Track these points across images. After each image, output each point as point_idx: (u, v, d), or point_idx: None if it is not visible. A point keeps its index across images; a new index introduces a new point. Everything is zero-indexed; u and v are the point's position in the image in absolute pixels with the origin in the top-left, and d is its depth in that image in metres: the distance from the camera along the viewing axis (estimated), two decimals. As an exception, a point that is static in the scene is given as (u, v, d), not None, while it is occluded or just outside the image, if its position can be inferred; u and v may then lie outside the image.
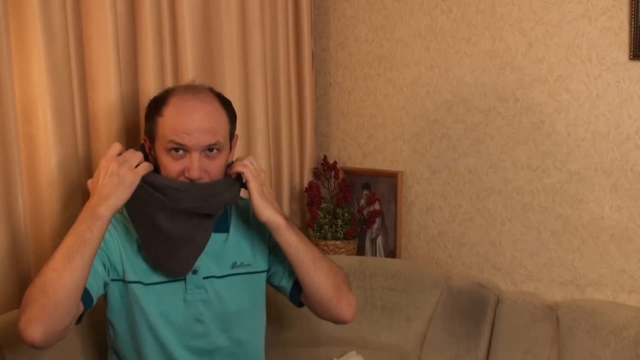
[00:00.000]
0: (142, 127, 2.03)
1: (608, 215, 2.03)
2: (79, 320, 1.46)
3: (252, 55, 2.35)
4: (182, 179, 1.54)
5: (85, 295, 1.44)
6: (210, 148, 1.54)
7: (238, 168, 1.59)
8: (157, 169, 1.59)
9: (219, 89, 2.17)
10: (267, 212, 1.57)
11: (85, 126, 1.96)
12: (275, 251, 1.71)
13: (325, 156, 2.66)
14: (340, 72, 2.68)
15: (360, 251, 2.63)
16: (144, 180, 1.51)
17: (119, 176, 1.46)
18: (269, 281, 1.76)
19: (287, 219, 1.62)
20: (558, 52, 2.08)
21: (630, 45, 1.93)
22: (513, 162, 2.21)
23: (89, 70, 1.94)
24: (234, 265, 1.67)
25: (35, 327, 1.32)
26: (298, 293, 1.70)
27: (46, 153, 1.81)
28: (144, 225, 1.56)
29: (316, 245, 2.47)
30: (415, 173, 2.49)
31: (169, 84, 2.09)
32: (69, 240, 1.41)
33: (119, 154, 1.51)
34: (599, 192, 2.04)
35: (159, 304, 1.59)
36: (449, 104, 2.36)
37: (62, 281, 1.36)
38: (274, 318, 1.84)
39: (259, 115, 2.37)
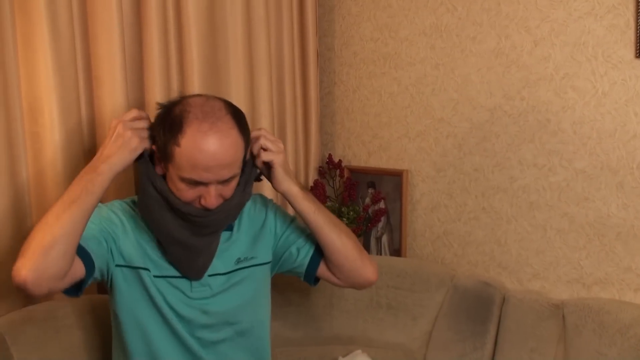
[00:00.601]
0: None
1: (614, 214, 2.03)
2: (79, 288, 1.47)
3: (257, 54, 2.34)
4: (197, 205, 1.53)
5: (86, 258, 1.45)
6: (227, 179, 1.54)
7: (266, 158, 1.60)
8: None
9: (223, 88, 2.21)
10: (285, 183, 1.63)
11: (91, 124, 1.96)
12: (286, 236, 1.73)
13: (330, 155, 2.66)
14: (345, 70, 2.68)
15: (365, 250, 2.62)
16: (161, 195, 1.53)
17: (124, 139, 1.49)
18: (280, 270, 1.78)
19: (304, 189, 1.67)
20: (564, 50, 2.08)
21: (637, 43, 1.92)
22: (519, 161, 2.21)
23: (94, 68, 1.94)
24: (238, 261, 1.68)
25: (27, 266, 1.33)
26: (314, 270, 1.73)
27: (53, 151, 1.81)
28: (161, 233, 1.57)
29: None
30: (421, 171, 2.48)
31: (175, 82, 2.10)
32: (71, 189, 1.44)
33: (132, 119, 1.53)
34: (605, 191, 2.04)
35: (165, 296, 1.60)
36: (454, 102, 2.36)
37: (59, 222, 1.37)
38: (279, 317, 1.85)
39: (264, 113, 2.37)
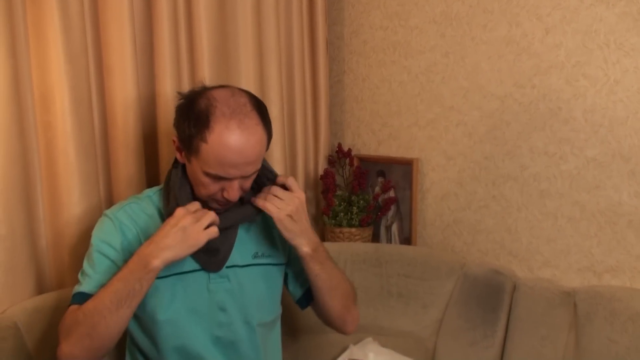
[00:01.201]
0: (159, 115, 2.04)
1: (626, 202, 2.02)
2: None
3: (267, 43, 2.34)
4: (218, 196, 1.55)
5: None
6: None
7: (267, 208, 1.59)
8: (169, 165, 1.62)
9: (233, 77, 2.21)
10: (294, 242, 1.62)
11: (102, 114, 1.97)
12: (295, 255, 1.73)
13: (339, 143, 2.66)
14: (355, 59, 2.68)
15: (375, 238, 2.63)
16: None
17: (185, 233, 1.46)
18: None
19: (314, 247, 1.64)
20: (575, 37, 2.07)
21: (649, 30, 1.91)
22: (529, 149, 2.20)
23: (105, 57, 1.94)
24: (255, 255, 1.69)
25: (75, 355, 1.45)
26: (306, 301, 1.80)
27: (64, 141, 1.81)
28: None
29: (331, 232, 2.50)
30: (431, 160, 2.48)
31: (185, 72, 2.10)
32: (118, 286, 1.44)
33: (195, 211, 1.50)
34: (617, 178, 2.03)
35: (183, 293, 1.59)
36: (464, 90, 2.35)
37: (108, 327, 1.44)
38: (290, 304, 1.85)
39: (274, 101, 2.37)
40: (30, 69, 1.77)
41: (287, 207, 1.58)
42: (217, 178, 1.50)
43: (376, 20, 2.58)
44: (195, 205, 1.52)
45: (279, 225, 1.59)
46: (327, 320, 1.79)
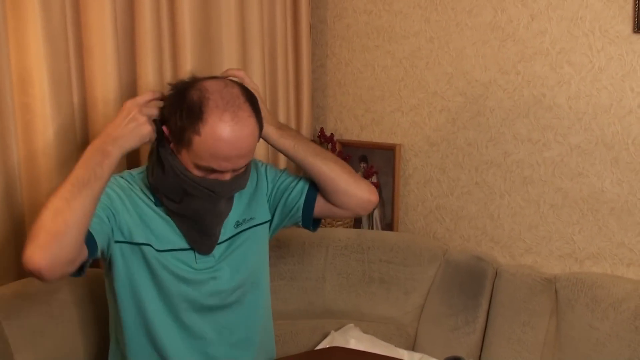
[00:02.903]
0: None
1: (608, 189, 2.03)
2: (81, 270, 1.45)
3: (250, 26, 2.31)
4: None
5: (89, 240, 1.43)
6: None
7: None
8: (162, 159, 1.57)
9: (216, 60, 2.19)
10: None
11: (82, 96, 1.93)
12: (278, 186, 1.73)
13: (322, 128, 2.64)
14: (338, 43, 2.65)
15: (357, 224, 2.62)
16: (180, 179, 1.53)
17: (137, 123, 1.46)
18: (281, 223, 1.77)
19: (281, 127, 1.66)
20: (560, 24, 2.06)
21: (634, 17, 1.91)
22: (513, 135, 2.20)
23: (85, 38, 1.90)
24: (237, 224, 1.67)
25: (41, 254, 1.31)
26: (311, 209, 1.73)
27: (43, 123, 1.78)
28: (179, 211, 1.57)
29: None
30: (414, 146, 2.47)
31: (167, 54, 2.07)
32: (79, 172, 1.39)
33: (146, 102, 1.51)
34: (600, 166, 2.04)
35: (170, 268, 1.58)
36: (448, 76, 2.34)
37: (71, 208, 1.34)
38: (271, 290, 1.84)
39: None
40: (9, 50, 1.73)
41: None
42: (208, 171, 1.49)
43: (360, 4, 2.56)
44: (148, 95, 1.52)
45: None
46: (342, 192, 1.68)
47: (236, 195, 1.68)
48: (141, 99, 1.51)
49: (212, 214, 1.58)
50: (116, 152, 1.43)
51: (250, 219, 1.70)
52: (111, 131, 1.46)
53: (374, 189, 1.72)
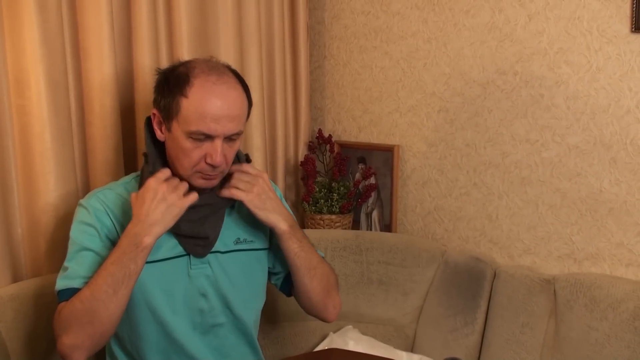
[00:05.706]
0: (137, 100, 2.00)
1: (607, 189, 2.03)
2: None
3: (247, 27, 2.31)
4: (202, 164, 1.52)
5: None
6: (232, 135, 1.53)
7: (236, 195, 1.59)
8: (160, 144, 1.59)
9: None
10: (269, 219, 1.61)
11: (79, 98, 1.92)
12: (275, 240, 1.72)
13: (320, 129, 2.63)
14: (336, 44, 2.65)
15: (356, 225, 2.62)
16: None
17: (167, 203, 1.46)
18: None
19: (291, 224, 1.65)
20: (558, 24, 2.06)
21: (632, 17, 1.90)
22: (511, 136, 2.20)
23: (82, 40, 1.90)
24: (237, 241, 1.67)
25: (81, 354, 1.42)
26: (289, 287, 1.77)
27: (40, 125, 1.77)
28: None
29: (311, 219, 2.48)
30: (412, 147, 2.47)
31: (164, 54, 2.06)
32: (113, 270, 1.42)
33: (167, 179, 1.50)
34: (598, 166, 2.04)
35: (161, 280, 1.57)
36: (446, 77, 2.34)
37: (108, 312, 1.41)
38: (271, 291, 1.84)
39: (254, 87, 2.33)
40: (5, 51, 1.72)
41: (253, 187, 1.59)
42: (200, 138, 1.49)
43: (357, 5, 2.55)
44: (166, 172, 1.51)
45: (250, 206, 1.59)
46: (308, 305, 1.75)
47: (242, 212, 1.68)
48: (162, 174, 1.50)
49: (209, 208, 1.59)
50: (152, 242, 1.45)
51: (250, 241, 1.70)
52: (144, 218, 1.44)
53: (337, 311, 1.77)
